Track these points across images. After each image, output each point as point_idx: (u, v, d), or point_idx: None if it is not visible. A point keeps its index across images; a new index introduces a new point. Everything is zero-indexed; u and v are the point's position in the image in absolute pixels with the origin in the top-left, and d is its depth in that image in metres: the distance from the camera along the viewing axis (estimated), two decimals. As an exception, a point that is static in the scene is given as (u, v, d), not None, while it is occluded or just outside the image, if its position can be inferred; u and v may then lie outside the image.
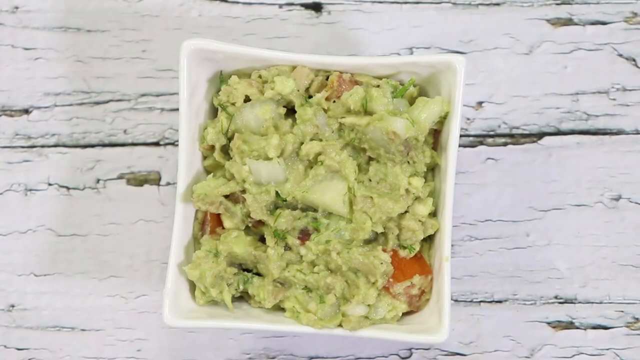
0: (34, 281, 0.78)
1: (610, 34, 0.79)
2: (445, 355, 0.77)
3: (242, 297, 0.71)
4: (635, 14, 0.79)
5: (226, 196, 0.68)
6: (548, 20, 0.79)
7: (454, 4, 0.79)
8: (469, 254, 0.77)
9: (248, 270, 0.70)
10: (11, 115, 0.79)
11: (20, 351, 0.77)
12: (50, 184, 0.78)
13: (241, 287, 0.69)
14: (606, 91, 0.79)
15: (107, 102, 0.79)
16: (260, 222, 0.68)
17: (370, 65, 0.68)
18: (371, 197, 0.66)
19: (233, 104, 0.68)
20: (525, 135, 0.78)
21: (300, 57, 0.68)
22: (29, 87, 0.79)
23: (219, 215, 0.69)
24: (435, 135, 0.70)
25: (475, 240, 0.77)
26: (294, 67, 0.69)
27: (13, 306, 0.78)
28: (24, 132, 0.79)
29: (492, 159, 0.78)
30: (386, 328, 0.69)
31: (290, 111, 0.69)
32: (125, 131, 0.79)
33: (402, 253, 0.69)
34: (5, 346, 0.77)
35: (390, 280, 0.68)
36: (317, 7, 0.79)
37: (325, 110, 0.68)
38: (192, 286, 0.70)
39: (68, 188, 0.78)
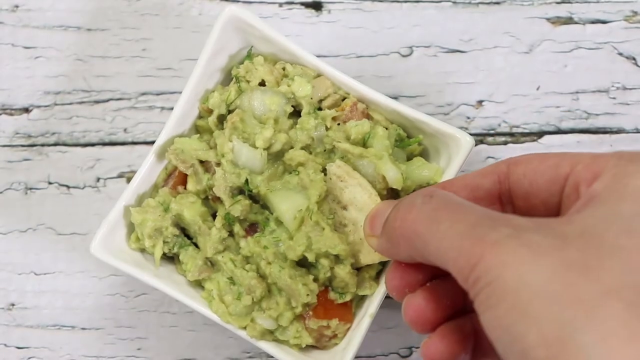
0: (34, 280, 0.78)
1: (610, 33, 0.79)
2: (446, 354, 0.77)
3: (173, 260, 0.71)
4: (635, 13, 0.79)
5: (201, 161, 0.68)
6: (548, 19, 0.79)
7: (454, 2, 0.79)
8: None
9: (189, 238, 0.70)
10: (11, 114, 0.79)
11: (20, 350, 0.77)
12: (50, 183, 0.78)
13: (175, 250, 0.69)
14: (606, 90, 0.79)
15: (107, 100, 0.79)
16: (220, 200, 0.68)
17: (388, 108, 0.68)
18: (323, 228, 0.64)
19: (248, 81, 0.68)
20: (526, 134, 0.78)
21: (327, 69, 0.68)
22: (29, 85, 0.79)
23: (186, 175, 0.69)
24: None
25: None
26: (318, 75, 0.68)
27: (13, 305, 0.78)
28: (24, 130, 0.79)
29: (493, 157, 0.78)
30: (287, 351, 0.68)
31: (296, 113, 0.69)
32: (125, 130, 0.79)
33: (332, 295, 0.67)
34: (5, 345, 0.77)
35: (310, 313, 0.67)
36: (317, 6, 0.79)
37: (327, 128, 0.67)
38: (131, 229, 0.69)
39: (68, 187, 0.78)
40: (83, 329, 0.78)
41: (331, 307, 0.67)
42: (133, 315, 0.78)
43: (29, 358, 0.77)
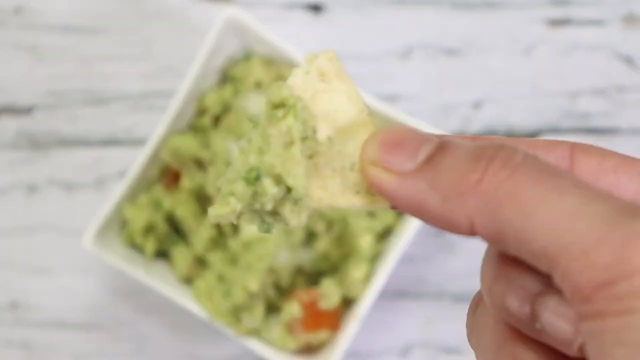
0: (35, 279, 0.78)
1: (608, 34, 0.79)
2: (446, 353, 0.77)
3: (165, 256, 0.71)
4: (633, 14, 0.80)
5: (195, 160, 0.68)
6: (546, 21, 0.80)
7: (454, 3, 0.80)
8: (471, 253, 0.77)
9: (181, 235, 0.70)
10: (13, 114, 0.79)
11: (21, 349, 0.77)
12: (51, 183, 0.78)
13: (166, 247, 0.69)
14: (604, 90, 0.79)
15: (109, 101, 0.79)
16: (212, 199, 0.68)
17: (380, 113, 0.68)
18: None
19: (244, 83, 0.68)
20: (524, 134, 0.79)
21: None
22: (31, 86, 0.79)
23: (180, 173, 0.69)
24: None
25: (476, 238, 0.77)
26: None
27: (15, 304, 0.78)
28: (25, 130, 0.79)
29: (492, 157, 0.78)
30: (274, 351, 0.67)
31: None
32: (126, 130, 0.79)
33: (322, 305, 0.67)
34: (6, 344, 0.77)
35: (300, 327, 0.66)
36: (317, 7, 0.80)
37: None
38: (124, 225, 0.70)
39: (69, 187, 0.78)
40: (84, 328, 0.78)
41: (320, 317, 0.67)
42: (133, 315, 0.78)
43: (30, 358, 0.77)
